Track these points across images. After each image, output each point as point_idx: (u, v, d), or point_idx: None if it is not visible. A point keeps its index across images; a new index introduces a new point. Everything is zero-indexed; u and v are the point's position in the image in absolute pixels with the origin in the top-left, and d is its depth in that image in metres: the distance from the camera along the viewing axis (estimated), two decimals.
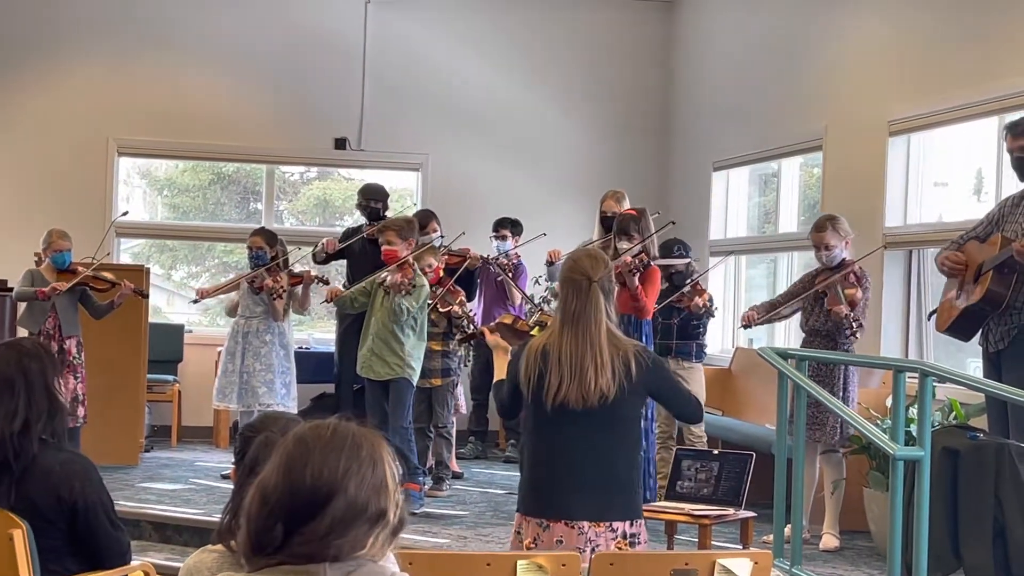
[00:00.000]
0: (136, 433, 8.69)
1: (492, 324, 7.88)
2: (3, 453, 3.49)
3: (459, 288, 8.05)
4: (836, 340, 6.52)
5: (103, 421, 8.03)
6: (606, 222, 7.54)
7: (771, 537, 5.99)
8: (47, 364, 3.61)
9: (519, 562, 3.27)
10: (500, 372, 4.23)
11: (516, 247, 9.31)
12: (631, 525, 3.94)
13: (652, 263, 6.97)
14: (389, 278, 7.12)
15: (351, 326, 8.22)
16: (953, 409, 6.20)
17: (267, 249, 8.29)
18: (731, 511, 5.52)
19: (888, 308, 7.67)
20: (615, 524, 3.90)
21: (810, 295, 6.67)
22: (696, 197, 10.27)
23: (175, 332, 10.24)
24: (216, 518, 3.16)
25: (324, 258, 8.92)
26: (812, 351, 6.43)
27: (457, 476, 8.37)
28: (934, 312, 5.89)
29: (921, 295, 7.64)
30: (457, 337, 7.91)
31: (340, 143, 10.65)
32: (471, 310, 8.31)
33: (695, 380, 7.53)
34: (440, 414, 7.78)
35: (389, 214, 8.89)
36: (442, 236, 8.56)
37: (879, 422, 6.28)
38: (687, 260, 7.73)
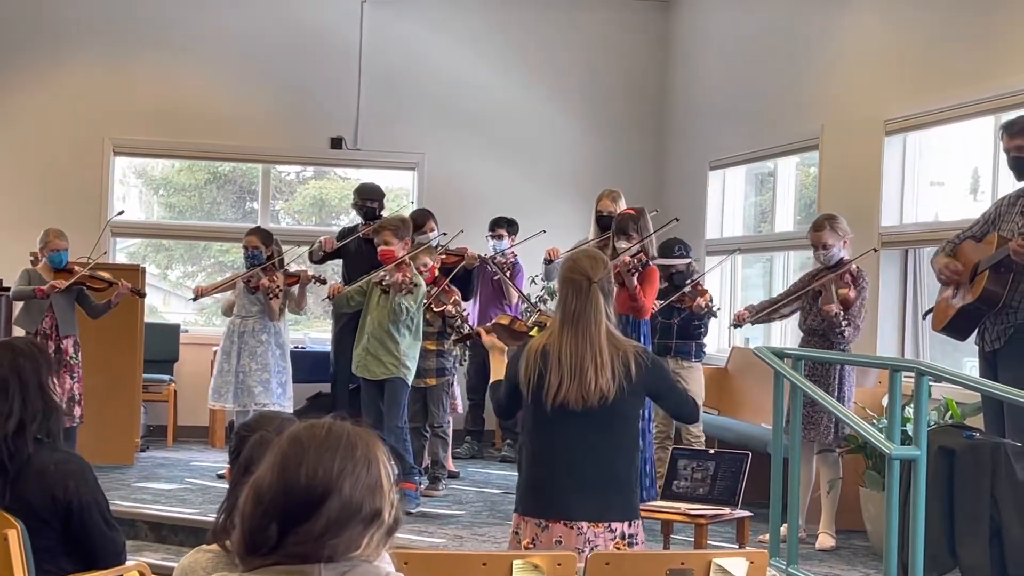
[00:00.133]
0: (132, 433, 8.68)
1: (489, 324, 7.89)
2: None
3: (454, 288, 8.04)
4: (831, 340, 6.52)
5: (99, 421, 8.02)
6: (602, 221, 7.53)
7: (767, 536, 5.99)
8: (41, 364, 3.61)
9: (515, 562, 3.26)
10: (496, 372, 4.23)
11: (512, 246, 9.30)
12: (629, 525, 3.94)
13: (651, 263, 6.96)
14: (390, 278, 7.11)
15: (347, 325, 8.21)
16: (949, 408, 6.20)
17: (263, 249, 8.30)
18: (727, 511, 5.51)
19: (884, 307, 7.67)
20: (614, 524, 3.90)
21: (806, 294, 6.67)
22: (692, 196, 10.26)
23: (171, 332, 10.25)
24: (212, 518, 3.15)
25: (321, 257, 8.91)
26: (808, 350, 6.43)
27: (453, 476, 8.36)
28: (930, 311, 5.89)
29: (917, 294, 7.64)
30: (453, 337, 7.91)
31: (336, 142, 10.63)
32: (465, 310, 8.30)
33: (694, 380, 7.53)
34: (436, 414, 7.78)
35: (385, 214, 8.88)
36: (441, 235, 8.56)
37: (875, 421, 6.28)
38: (687, 260, 7.72)
